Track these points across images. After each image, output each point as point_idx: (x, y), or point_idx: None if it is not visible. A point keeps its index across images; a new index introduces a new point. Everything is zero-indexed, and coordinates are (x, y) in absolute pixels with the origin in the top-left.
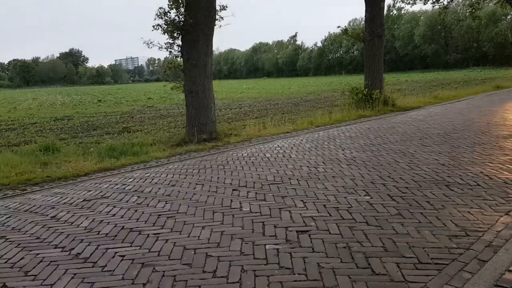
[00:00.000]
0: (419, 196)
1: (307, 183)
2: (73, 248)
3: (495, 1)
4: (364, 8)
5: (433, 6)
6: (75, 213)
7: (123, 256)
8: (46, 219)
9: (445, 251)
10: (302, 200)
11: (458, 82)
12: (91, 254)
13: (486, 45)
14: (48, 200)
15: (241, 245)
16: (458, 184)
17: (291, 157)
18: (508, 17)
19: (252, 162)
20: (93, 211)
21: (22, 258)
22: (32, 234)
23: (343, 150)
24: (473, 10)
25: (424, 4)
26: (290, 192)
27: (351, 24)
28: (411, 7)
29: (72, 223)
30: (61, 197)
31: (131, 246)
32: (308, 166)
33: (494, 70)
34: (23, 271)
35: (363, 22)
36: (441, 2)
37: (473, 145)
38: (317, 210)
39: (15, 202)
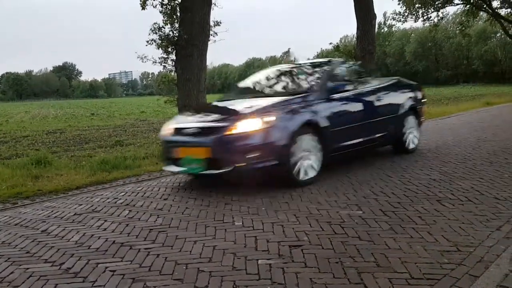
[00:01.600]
0: (411, 211)
1: (300, 197)
2: (63, 263)
3: (484, 19)
4: (355, 25)
5: (423, 24)
6: (66, 227)
7: (114, 271)
8: (37, 233)
9: (437, 266)
10: (294, 215)
11: (448, 98)
12: (81, 269)
13: (476, 62)
14: (39, 214)
15: (233, 260)
16: (449, 199)
17: None
18: (498, 35)
19: None
20: (83, 225)
21: (12, 273)
22: (22, 248)
23: None
24: (463, 28)
25: (415, 21)
26: (283, 207)
27: (343, 40)
28: (402, 24)
29: (62, 237)
30: (52, 211)
31: (121, 260)
32: None
33: (484, 87)
34: (12, 285)
35: (354, 39)
36: (431, 20)
37: (463, 160)
38: (310, 224)
39: (5, 216)
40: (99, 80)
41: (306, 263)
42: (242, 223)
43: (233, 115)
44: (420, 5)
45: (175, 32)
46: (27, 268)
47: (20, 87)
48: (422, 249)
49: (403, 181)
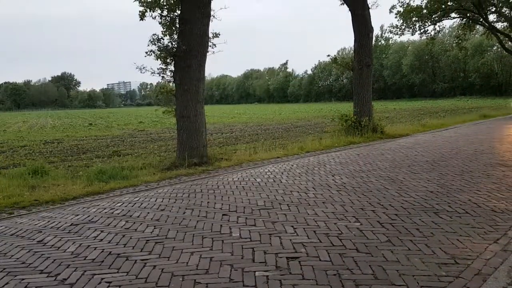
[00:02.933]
0: (408, 223)
1: (298, 208)
2: (59, 274)
3: (481, 33)
4: (353, 38)
5: (420, 37)
6: (62, 237)
7: (110, 282)
8: (33, 244)
9: (434, 279)
10: (292, 226)
11: (445, 111)
12: (77, 280)
13: (473, 75)
14: (35, 224)
15: (230, 271)
16: (447, 212)
17: (281, 182)
18: (494, 48)
19: (243, 186)
20: (80, 236)
21: (7, 284)
22: (17, 258)
23: (333, 176)
24: (460, 41)
25: (412, 34)
26: (280, 218)
27: (340, 53)
28: (399, 37)
29: (58, 248)
30: (49, 221)
31: (118, 272)
32: (298, 192)
33: (481, 99)
34: None
35: (351, 51)
36: (428, 33)
37: (461, 173)
38: (308, 236)
39: (1, 226)
40: (98, 91)
41: (304, 275)
42: (240, 234)
43: None
44: (417, 19)
45: (174, 43)
46: (23, 279)
47: (18, 96)
48: (420, 262)
49: (400, 193)
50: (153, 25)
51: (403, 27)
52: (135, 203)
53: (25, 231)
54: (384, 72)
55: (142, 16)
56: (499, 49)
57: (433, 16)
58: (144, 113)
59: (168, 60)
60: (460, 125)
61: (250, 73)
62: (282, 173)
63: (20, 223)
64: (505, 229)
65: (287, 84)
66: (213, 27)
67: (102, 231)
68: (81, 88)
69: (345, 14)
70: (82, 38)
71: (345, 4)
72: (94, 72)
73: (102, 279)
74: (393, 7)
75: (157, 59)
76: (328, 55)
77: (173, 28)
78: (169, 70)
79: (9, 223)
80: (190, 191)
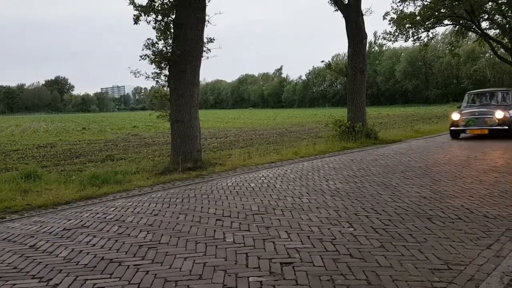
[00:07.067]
0: (401, 229)
1: (291, 213)
2: (51, 279)
3: (473, 40)
4: (347, 44)
5: (413, 43)
6: (54, 242)
7: (102, 287)
8: (24, 248)
9: (427, 284)
10: (286, 231)
11: (438, 117)
12: (69, 285)
13: (465, 82)
14: (27, 229)
15: (223, 277)
16: (440, 217)
17: (275, 187)
18: (486, 55)
19: (237, 191)
20: (72, 241)
21: None
22: (9, 263)
23: (327, 181)
24: (452, 48)
25: (405, 41)
26: (274, 223)
27: (334, 59)
28: (392, 44)
29: (50, 252)
30: (41, 226)
31: (110, 277)
32: (292, 197)
33: None
34: None
35: (345, 57)
36: (421, 40)
37: (454, 178)
38: (301, 241)
39: None
40: (91, 95)
41: (297, 280)
42: (233, 240)
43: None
44: (410, 25)
45: (168, 48)
46: (14, 284)
47: (11, 100)
48: (413, 267)
49: (393, 199)
50: (148, 29)
51: (396, 33)
52: (128, 208)
53: (17, 236)
54: (377, 78)
55: (136, 20)
56: (491, 56)
57: (426, 23)
58: (138, 117)
59: (162, 65)
60: None
61: (244, 78)
62: (276, 178)
63: (12, 227)
64: (498, 235)
65: (282, 89)
66: (208, 32)
67: (94, 236)
68: (75, 92)
69: (339, 20)
70: (76, 42)
71: (339, 11)
72: (88, 76)
73: (95, 284)
74: (386, 13)
75: (152, 64)
76: (323, 61)
77: (168, 33)
78: (164, 75)
79: (1, 228)
80: (184, 196)
